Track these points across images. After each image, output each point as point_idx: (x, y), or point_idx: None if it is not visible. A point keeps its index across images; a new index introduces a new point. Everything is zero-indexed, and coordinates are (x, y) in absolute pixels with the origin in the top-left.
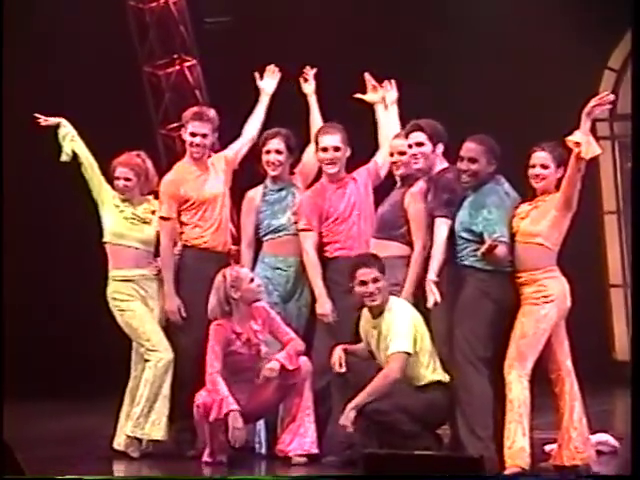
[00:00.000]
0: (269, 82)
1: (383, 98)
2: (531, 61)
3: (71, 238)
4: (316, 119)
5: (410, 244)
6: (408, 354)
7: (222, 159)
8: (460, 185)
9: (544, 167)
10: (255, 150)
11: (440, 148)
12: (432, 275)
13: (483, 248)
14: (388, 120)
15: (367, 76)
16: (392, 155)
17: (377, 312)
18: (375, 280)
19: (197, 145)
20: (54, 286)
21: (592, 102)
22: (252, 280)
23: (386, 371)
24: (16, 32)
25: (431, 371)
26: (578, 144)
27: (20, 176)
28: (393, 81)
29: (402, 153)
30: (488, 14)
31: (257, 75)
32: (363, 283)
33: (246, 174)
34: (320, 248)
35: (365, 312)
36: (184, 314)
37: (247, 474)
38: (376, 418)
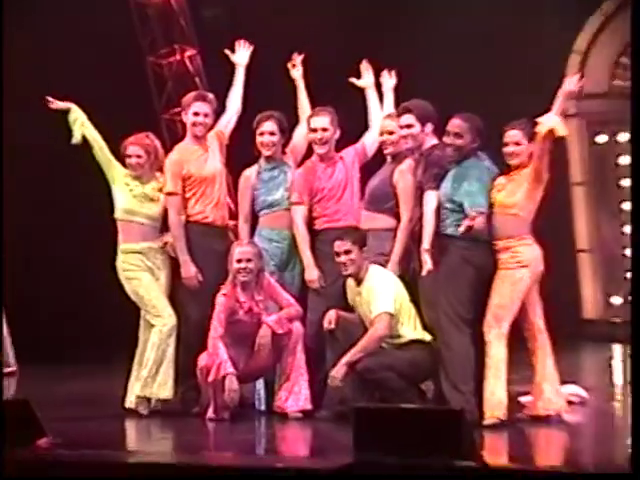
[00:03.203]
0: (241, 55)
1: (376, 84)
2: (503, 47)
3: (85, 214)
4: (303, 102)
5: (398, 217)
6: (391, 314)
7: (215, 138)
8: (447, 160)
9: (517, 144)
10: (250, 132)
11: (429, 127)
12: (426, 244)
13: (462, 227)
14: (379, 104)
15: (365, 63)
16: (382, 134)
17: (358, 280)
18: (347, 252)
19: (200, 124)
20: (70, 260)
21: (567, 85)
22: (240, 260)
23: (373, 330)
24: (33, 29)
25: (412, 329)
26: (536, 123)
27: (39, 154)
28: (393, 71)
29: (391, 133)
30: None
31: (228, 52)
32: (337, 254)
33: (242, 154)
34: (310, 222)
35: (350, 281)
36: (200, 278)
37: (248, 429)
38: (366, 376)
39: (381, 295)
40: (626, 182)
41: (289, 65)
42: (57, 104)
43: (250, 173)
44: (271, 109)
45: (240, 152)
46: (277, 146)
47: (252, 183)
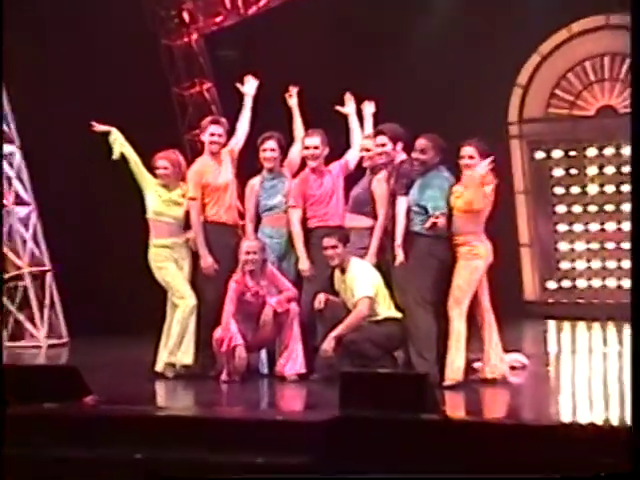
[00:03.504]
0: (250, 86)
1: (357, 111)
2: (460, 80)
3: (126, 215)
4: (298, 125)
5: (375, 218)
6: (371, 298)
7: (227, 154)
8: (414, 172)
9: (471, 158)
10: (254, 149)
11: (400, 145)
12: (398, 240)
13: (428, 223)
14: (359, 127)
15: (348, 94)
16: (361, 151)
17: (343, 270)
18: (333, 247)
19: (215, 143)
20: (114, 251)
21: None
22: (247, 253)
23: (358, 311)
24: (82, 66)
25: (386, 309)
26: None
27: (85, 169)
28: (372, 101)
29: (368, 150)
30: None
31: (239, 85)
32: (325, 249)
33: (248, 167)
34: (304, 222)
35: (336, 271)
36: (216, 267)
37: (254, 389)
38: (350, 347)
39: (362, 282)
40: (559, 190)
41: (286, 95)
42: (99, 127)
43: (255, 182)
44: (272, 130)
45: (247, 165)
46: (277, 160)
47: (256, 190)
